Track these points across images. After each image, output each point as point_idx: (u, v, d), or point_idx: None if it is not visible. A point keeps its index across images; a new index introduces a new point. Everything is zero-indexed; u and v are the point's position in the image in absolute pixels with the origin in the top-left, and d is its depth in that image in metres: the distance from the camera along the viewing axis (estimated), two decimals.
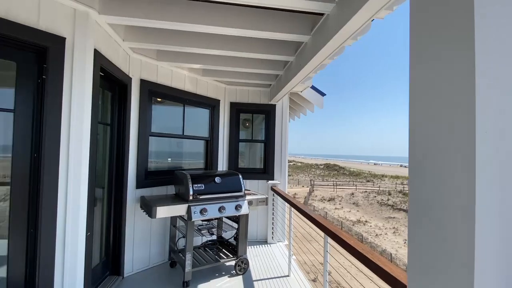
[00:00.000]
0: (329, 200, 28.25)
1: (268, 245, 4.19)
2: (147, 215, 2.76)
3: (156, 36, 2.65)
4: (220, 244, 3.61)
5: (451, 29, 0.69)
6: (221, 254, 3.34)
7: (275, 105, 4.42)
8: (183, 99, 3.61)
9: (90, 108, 2.09)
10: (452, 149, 0.69)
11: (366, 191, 30.03)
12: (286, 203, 3.61)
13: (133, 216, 3.04)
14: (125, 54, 2.82)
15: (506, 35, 0.65)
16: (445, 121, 0.70)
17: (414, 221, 0.81)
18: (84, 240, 2.08)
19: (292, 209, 3.23)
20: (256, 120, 4.60)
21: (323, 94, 4.86)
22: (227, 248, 3.47)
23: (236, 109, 4.32)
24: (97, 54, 2.15)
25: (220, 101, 4.17)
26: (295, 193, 31.38)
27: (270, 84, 4.26)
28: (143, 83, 3.10)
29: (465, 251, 0.64)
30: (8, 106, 1.79)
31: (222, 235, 3.70)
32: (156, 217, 2.60)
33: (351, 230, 17.87)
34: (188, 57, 3.15)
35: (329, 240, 2.11)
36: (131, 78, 2.95)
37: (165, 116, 3.55)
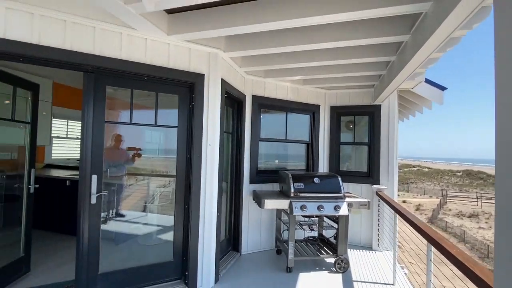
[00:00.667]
0: (469, 217, 22.36)
1: (373, 251, 4.05)
2: (258, 205, 3.37)
3: (264, 60, 3.22)
4: (321, 241, 3.85)
5: None
6: (321, 250, 3.57)
7: (380, 105, 4.22)
8: (286, 107, 4.10)
9: (219, 121, 2.85)
10: None
11: None
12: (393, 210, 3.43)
13: (248, 206, 3.75)
14: (241, 77, 3.56)
15: None
16: None
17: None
18: (216, 217, 2.85)
19: (397, 215, 3.08)
20: (360, 122, 4.53)
21: (443, 88, 4.21)
22: (328, 246, 3.66)
23: (337, 112, 4.43)
24: (223, 82, 2.91)
25: (320, 106, 4.40)
26: (419, 204, 26.63)
27: (373, 85, 4.13)
28: (254, 98, 3.78)
29: None
30: (174, 124, 2.75)
31: (323, 233, 3.91)
32: (264, 208, 3.16)
33: None
34: (290, 72, 3.58)
35: (433, 249, 2.00)
36: (245, 95, 3.68)
37: (271, 123, 4.14)
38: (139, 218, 2.95)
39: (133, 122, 2.57)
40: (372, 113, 4.26)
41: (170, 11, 2.40)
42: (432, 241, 1.94)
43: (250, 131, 3.76)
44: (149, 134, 2.92)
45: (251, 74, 3.71)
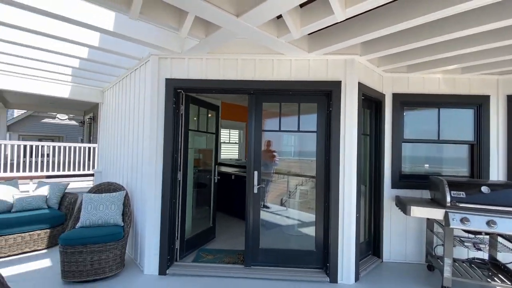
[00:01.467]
0: None
1: None
2: (402, 212, 3.15)
3: (406, 55, 2.99)
4: (492, 265, 3.06)
5: None
6: (493, 277, 2.86)
7: None
8: (438, 102, 3.54)
9: (356, 124, 2.94)
10: None
11: None
12: None
13: (389, 211, 3.55)
14: (378, 76, 3.46)
15: None
16: None
17: None
18: (355, 218, 2.95)
19: None
20: None
21: None
22: (503, 273, 2.87)
23: None
24: (360, 85, 2.98)
25: (490, 97, 3.48)
26: None
27: None
28: (395, 96, 3.54)
29: None
30: (313, 129, 3.10)
31: (496, 257, 3.09)
32: (411, 215, 2.92)
33: None
34: (442, 62, 3.11)
35: None
36: (384, 95, 3.52)
37: (417, 122, 3.70)
38: (282, 211, 3.52)
39: (281, 129, 3.14)
40: None
41: (309, 33, 2.77)
42: None
43: (391, 132, 3.55)
44: (289, 138, 3.43)
45: (390, 72, 3.51)
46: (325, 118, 3.05)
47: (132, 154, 3.44)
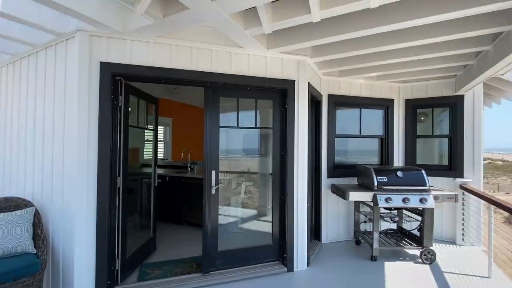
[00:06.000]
0: None
1: (457, 246, 3.96)
2: (340, 197, 3.60)
3: (342, 61, 3.40)
4: (401, 233, 3.92)
5: None
6: (403, 242, 3.66)
7: (463, 95, 4.06)
8: (360, 103, 4.22)
9: (307, 121, 3.16)
10: None
11: None
12: (483, 203, 3.35)
13: (326, 198, 4.01)
14: (318, 78, 3.81)
15: None
16: None
17: None
18: (306, 207, 3.18)
19: (493, 208, 3.01)
20: (438, 114, 4.41)
21: None
22: (409, 238, 3.73)
23: (412, 105, 4.38)
24: (309, 85, 3.20)
25: (394, 100, 4.40)
26: (491, 195, 23.44)
27: (455, 75, 3.98)
28: (330, 96, 4.00)
29: None
30: (269, 126, 3.15)
31: (403, 226, 3.97)
32: (349, 200, 3.38)
33: None
34: (366, 70, 3.70)
35: None
36: (322, 95, 3.92)
37: (345, 120, 4.30)
38: (240, 208, 3.45)
39: (239, 126, 3.04)
40: (453, 104, 4.12)
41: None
42: None
43: (327, 128, 3.99)
44: (246, 135, 3.38)
45: (327, 75, 3.93)
46: (280, 115, 3.14)
47: (44, 157, 2.61)
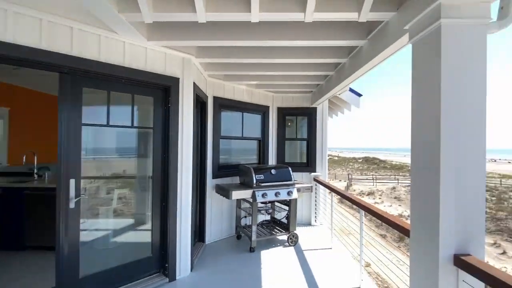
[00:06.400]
0: (368, 194, 27.80)
1: (312, 226, 4.98)
2: (225, 197, 3.74)
3: (226, 66, 3.55)
4: (274, 223, 4.52)
5: None
6: (275, 230, 4.24)
7: (316, 107, 5.14)
8: (242, 107, 4.54)
9: (192, 122, 3.09)
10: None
11: (409, 185, 28.86)
12: (327, 190, 4.36)
13: (211, 198, 4.08)
14: (204, 79, 3.81)
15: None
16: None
17: (415, 199, 1.56)
18: (191, 212, 3.11)
19: (333, 195, 3.98)
20: (300, 121, 5.37)
21: (359, 95, 5.42)
22: (280, 226, 4.36)
23: (283, 113, 5.14)
24: (194, 85, 3.14)
25: (269, 107, 5.02)
26: (332, 185, 31.27)
27: (311, 91, 4.99)
28: (215, 99, 4.08)
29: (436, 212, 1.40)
30: (149, 125, 2.85)
31: (275, 216, 4.60)
32: (232, 198, 3.57)
33: None
34: (247, 77, 4.03)
35: (364, 214, 2.85)
36: (207, 96, 3.95)
37: (229, 122, 4.52)
38: (112, 219, 2.93)
39: (110, 124, 2.57)
40: (310, 114, 5.15)
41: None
42: (363, 207, 2.78)
43: (212, 130, 4.06)
44: (120, 135, 2.91)
45: (212, 77, 3.99)
46: (162, 114, 2.90)
47: None
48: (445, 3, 1.38)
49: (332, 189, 3.99)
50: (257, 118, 4.92)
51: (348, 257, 3.64)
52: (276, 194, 3.82)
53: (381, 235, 13.45)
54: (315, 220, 5.05)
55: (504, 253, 12.66)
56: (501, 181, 29.03)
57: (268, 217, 4.72)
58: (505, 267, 11.11)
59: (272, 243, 4.13)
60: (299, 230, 4.69)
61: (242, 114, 4.62)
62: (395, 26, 1.95)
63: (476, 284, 1.30)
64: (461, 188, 1.38)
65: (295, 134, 5.37)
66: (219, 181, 4.19)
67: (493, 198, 21.76)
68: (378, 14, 1.94)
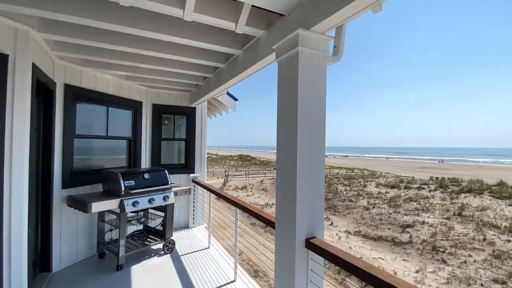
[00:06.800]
0: (242, 189, 30.56)
1: (190, 228, 4.91)
2: (80, 211, 3.03)
3: (82, 49, 2.87)
4: (147, 232, 4.11)
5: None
6: (149, 239, 3.86)
7: (195, 107, 5.08)
8: (107, 101, 3.84)
9: (29, 116, 2.30)
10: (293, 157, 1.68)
11: (273, 178, 34.00)
12: (206, 191, 4.42)
13: (60, 214, 3.21)
14: (50, 61, 2.93)
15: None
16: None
17: (279, 192, 1.78)
18: (26, 238, 2.31)
19: (211, 195, 4.07)
20: (178, 120, 5.14)
21: (235, 99, 5.83)
22: (154, 234, 4.02)
23: (159, 110, 4.76)
24: (34, 67, 2.36)
25: (143, 103, 4.52)
26: (210, 185, 32.25)
27: (191, 90, 4.89)
28: (68, 87, 3.24)
29: (294, 207, 1.65)
30: None
31: (149, 224, 4.19)
32: (91, 212, 2.94)
33: None
34: (114, 66, 3.44)
35: (239, 211, 3.07)
36: (56, 84, 3.07)
37: (90, 118, 3.70)
38: None
39: None
40: (189, 113, 5.04)
41: None
42: (238, 205, 3.00)
43: (62, 126, 3.19)
44: None
45: (63, 60, 3.14)
46: None
47: None
48: (302, 34, 1.67)
49: (210, 190, 4.07)
50: (127, 114, 4.31)
51: (224, 253, 3.83)
52: (150, 201, 3.48)
53: (251, 223, 15.08)
54: (193, 222, 5.00)
55: (331, 224, 17.19)
56: (330, 171, 39.36)
57: (140, 227, 4.24)
58: (336, 234, 15.12)
59: (145, 254, 3.74)
60: (176, 235, 4.50)
61: (107, 109, 3.91)
62: (265, 44, 2.20)
63: (318, 259, 1.67)
64: (309, 184, 1.72)
65: (173, 134, 5.11)
66: (73, 191, 3.36)
67: (325, 184, 29.16)
68: (252, 29, 2.12)
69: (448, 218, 16.84)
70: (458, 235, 14.19)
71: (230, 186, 31.70)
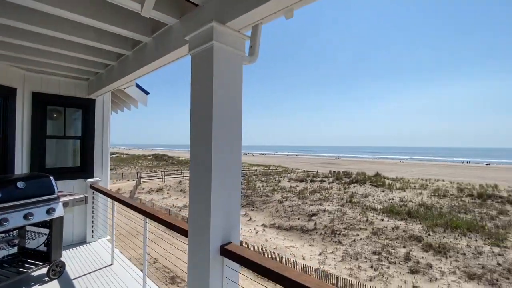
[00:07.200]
0: (157, 191, 28.31)
1: (88, 244, 4.13)
2: None
3: None
4: (24, 255, 3.20)
5: None
6: (26, 265, 3.02)
7: (94, 100, 4.29)
8: None
9: None
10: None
11: None
12: (109, 199, 3.80)
13: None
14: None
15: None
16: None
17: (192, 196, 1.62)
18: None
19: (115, 203, 3.51)
20: (72, 114, 4.23)
21: (147, 93, 5.24)
22: (35, 257, 3.17)
23: (42, 101, 3.79)
24: None
25: (17, 90, 3.50)
26: (118, 188, 28.49)
27: (88, 78, 4.09)
28: None
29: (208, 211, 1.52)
30: None
31: (26, 246, 3.28)
32: None
33: (179, 215, 19.28)
34: None
35: (148, 221, 2.74)
36: None
37: None
38: None
39: None
40: (86, 106, 4.21)
41: None
42: (147, 214, 2.66)
43: None
44: None
45: None
46: None
47: None
48: (217, 27, 1.57)
49: (113, 197, 3.50)
50: None
51: (130, 268, 3.36)
52: (27, 216, 2.71)
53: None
54: (92, 236, 4.23)
55: (250, 219, 17.94)
56: (249, 168, 41.11)
57: (14, 250, 3.27)
58: (254, 229, 15.78)
59: (22, 285, 2.91)
60: (68, 254, 3.71)
61: None
62: (177, 33, 2.00)
63: (234, 265, 1.61)
64: (225, 186, 1.65)
65: (63, 130, 4.17)
66: None
67: (244, 181, 30.24)
68: (162, 15, 1.89)
69: (342, 205, 20.13)
70: (349, 219, 17.14)
71: (144, 189, 28.93)
